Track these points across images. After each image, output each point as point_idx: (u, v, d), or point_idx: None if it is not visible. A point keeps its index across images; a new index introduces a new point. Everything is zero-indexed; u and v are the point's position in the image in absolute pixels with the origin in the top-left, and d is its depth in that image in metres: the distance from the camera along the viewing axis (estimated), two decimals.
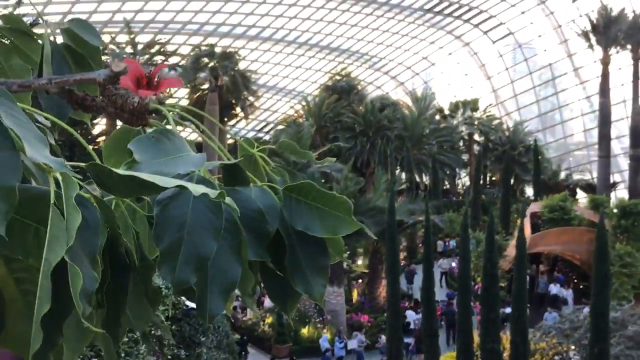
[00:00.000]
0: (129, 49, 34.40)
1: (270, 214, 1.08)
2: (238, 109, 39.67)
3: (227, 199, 0.95)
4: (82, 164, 0.98)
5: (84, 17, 34.45)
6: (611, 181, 38.80)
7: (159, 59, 33.71)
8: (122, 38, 36.51)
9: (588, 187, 41.60)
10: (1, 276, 0.93)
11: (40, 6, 29.33)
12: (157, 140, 1.04)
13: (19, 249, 0.89)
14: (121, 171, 0.90)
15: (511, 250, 25.15)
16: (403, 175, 41.75)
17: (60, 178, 0.87)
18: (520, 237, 17.15)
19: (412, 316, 23.38)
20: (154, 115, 1.15)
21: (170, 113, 1.16)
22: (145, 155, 0.99)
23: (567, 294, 26.43)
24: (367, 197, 24.95)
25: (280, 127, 47.98)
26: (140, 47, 34.24)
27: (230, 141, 36.19)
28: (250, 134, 60.41)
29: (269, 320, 23.59)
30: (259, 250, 1.06)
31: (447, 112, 48.58)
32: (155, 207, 0.97)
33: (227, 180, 1.17)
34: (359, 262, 32.21)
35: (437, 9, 49.30)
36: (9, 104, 0.87)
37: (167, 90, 22.07)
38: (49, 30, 1.31)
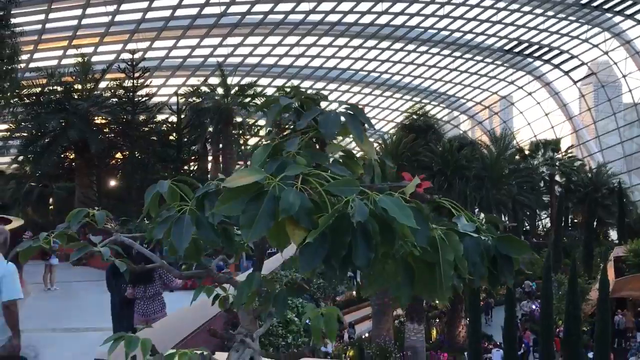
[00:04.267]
0: (220, 90, 36.55)
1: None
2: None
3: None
4: None
5: (178, 61, 37.24)
6: None
7: (250, 101, 35.49)
8: (214, 81, 38.88)
9: None
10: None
11: (132, 52, 31.90)
12: None
13: None
14: None
15: (594, 294, 24.82)
16: (482, 216, 41.46)
17: None
18: (603, 279, 17.17)
19: (497, 356, 23.08)
20: None
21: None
22: None
23: None
24: None
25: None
26: (232, 90, 36.14)
27: None
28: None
29: (350, 353, 24.17)
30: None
31: (527, 152, 48.14)
32: None
33: None
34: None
35: (516, 50, 49.46)
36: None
37: (258, 131, 23.56)
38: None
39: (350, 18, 41.27)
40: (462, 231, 1.86)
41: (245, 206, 1.66)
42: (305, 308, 1.79)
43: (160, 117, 33.06)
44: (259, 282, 2.25)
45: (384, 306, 24.74)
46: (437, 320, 31.12)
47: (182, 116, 31.48)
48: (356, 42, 45.24)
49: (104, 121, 30.48)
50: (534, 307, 29.93)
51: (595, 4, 42.23)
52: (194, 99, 35.20)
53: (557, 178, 46.68)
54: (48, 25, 33.96)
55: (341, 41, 44.72)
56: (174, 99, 42.60)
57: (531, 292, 33.34)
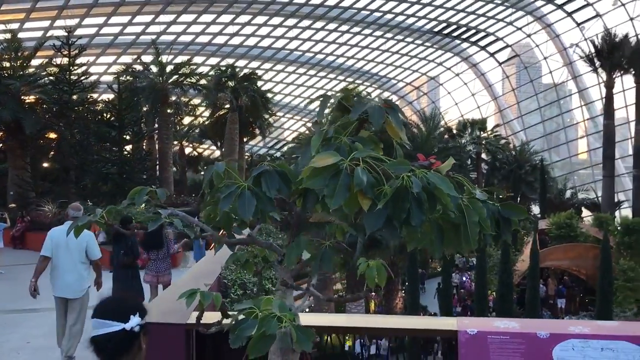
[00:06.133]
0: (154, 69, 35.94)
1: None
2: (256, 129, 41.15)
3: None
4: None
5: (109, 39, 36.16)
6: (615, 200, 40.04)
7: (187, 80, 35.13)
8: (146, 58, 38.17)
9: (593, 206, 42.85)
10: None
11: (67, 29, 30.89)
12: None
13: None
14: None
15: (521, 265, 26.50)
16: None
17: None
18: (534, 250, 18.49)
19: None
20: None
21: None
22: None
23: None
24: None
25: (291, 144, 49.29)
26: (167, 68, 35.62)
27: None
28: (262, 151, 62.11)
29: None
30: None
31: (455, 131, 49.91)
32: None
33: None
34: None
35: (445, 32, 50.97)
36: None
37: (193, 109, 23.80)
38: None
39: None
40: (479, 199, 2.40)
41: (328, 181, 2.14)
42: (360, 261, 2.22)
43: (97, 96, 32.21)
44: (305, 245, 2.75)
45: (324, 281, 25.49)
46: (374, 293, 32.25)
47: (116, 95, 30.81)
48: (290, 21, 45.41)
49: (38, 101, 29.50)
50: (464, 279, 31.55)
51: None
52: (128, 77, 34.46)
53: (484, 156, 48.73)
54: None
55: (276, 20, 44.77)
56: (104, 78, 41.64)
57: (459, 265, 35.08)
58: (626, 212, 41.39)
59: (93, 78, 33.50)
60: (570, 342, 3.26)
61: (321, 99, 2.72)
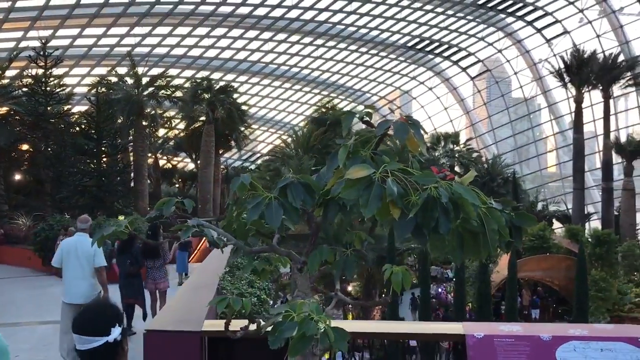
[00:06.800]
0: (129, 81, 35.74)
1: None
2: (232, 141, 41.15)
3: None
4: None
5: (83, 50, 35.93)
6: (585, 212, 40.93)
7: (162, 92, 34.99)
8: (121, 70, 37.92)
9: (564, 218, 43.69)
10: None
11: (42, 39, 30.58)
12: None
13: None
14: None
15: (495, 277, 26.89)
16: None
17: None
18: (512, 260, 18.85)
19: None
20: None
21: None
22: None
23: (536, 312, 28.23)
24: (365, 225, 26.51)
25: (266, 157, 49.34)
26: (143, 80, 35.45)
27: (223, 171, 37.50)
28: (237, 164, 61.99)
29: None
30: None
31: (428, 144, 50.56)
32: None
33: None
34: (349, 288, 33.56)
35: (418, 46, 51.78)
36: None
37: (168, 122, 23.82)
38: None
39: (261, 11, 41.66)
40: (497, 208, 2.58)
41: (362, 192, 2.30)
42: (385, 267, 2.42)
43: (70, 108, 31.80)
44: (327, 253, 2.90)
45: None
46: (350, 306, 32.38)
47: (92, 107, 30.54)
48: (266, 35, 45.69)
49: (10, 112, 29.04)
50: (440, 290, 31.89)
51: (490, 4, 45.12)
52: (103, 89, 34.23)
53: (457, 169, 49.39)
54: None
55: (251, 34, 45.00)
56: (78, 89, 41.26)
57: (437, 277, 35.39)
58: (595, 224, 42.38)
59: (67, 90, 33.17)
60: (571, 344, 3.46)
61: (345, 115, 2.86)
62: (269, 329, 2.38)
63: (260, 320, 2.91)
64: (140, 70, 37.64)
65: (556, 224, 43.89)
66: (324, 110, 50.74)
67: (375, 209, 2.28)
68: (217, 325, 4.10)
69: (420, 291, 20.81)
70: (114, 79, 36.27)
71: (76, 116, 31.97)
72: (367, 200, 2.28)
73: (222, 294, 6.67)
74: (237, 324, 3.01)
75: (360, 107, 52.16)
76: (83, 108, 37.81)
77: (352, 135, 2.90)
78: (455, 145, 49.24)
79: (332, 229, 3.50)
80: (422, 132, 2.68)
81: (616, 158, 39.42)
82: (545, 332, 3.55)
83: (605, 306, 25.74)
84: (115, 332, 2.40)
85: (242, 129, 41.85)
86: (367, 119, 2.91)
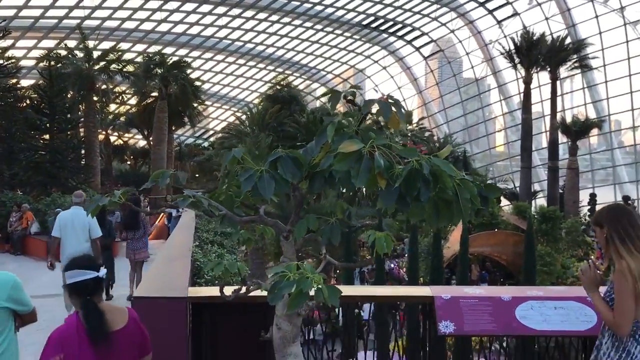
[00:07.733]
0: (80, 54, 34.84)
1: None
2: (185, 118, 40.72)
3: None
4: None
5: (29, 21, 34.67)
6: (532, 190, 42.38)
7: (114, 67, 34.22)
8: (70, 44, 36.87)
9: (511, 195, 45.10)
10: None
11: None
12: None
13: None
14: None
15: (446, 252, 27.74)
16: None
17: None
18: (464, 236, 19.57)
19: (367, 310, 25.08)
20: None
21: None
22: None
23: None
24: (321, 203, 26.81)
25: (220, 135, 49.06)
26: (94, 53, 34.58)
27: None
28: (189, 141, 61.37)
29: None
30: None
31: (382, 123, 51.08)
32: None
33: None
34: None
35: (372, 25, 52.06)
36: None
37: (120, 97, 23.56)
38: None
39: None
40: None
41: (353, 164, 2.55)
42: (369, 232, 2.69)
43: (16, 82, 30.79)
44: (313, 222, 3.15)
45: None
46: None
47: (42, 81, 29.65)
48: (220, 9, 45.09)
49: None
50: (392, 265, 32.61)
51: None
52: (52, 63, 33.24)
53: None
54: None
55: (205, 8, 44.34)
56: (24, 62, 39.92)
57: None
58: (541, 201, 43.99)
59: (14, 62, 32.10)
60: (529, 303, 3.86)
61: (331, 94, 3.08)
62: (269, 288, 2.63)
63: (250, 284, 3.15)
64: (90, 43, 36.72)
65: (504, 202, 45.32)
66: (278, 87, 50.69)
67: (365, 179, 2.54)
68: (201, 292, 4.32)
69: (376, 267, 21.36)
70: (63, 52, 35.21)
71: (25, 90, 30.96)
72: (357, 172, 2.53)
73: (196, 266, 6.88)
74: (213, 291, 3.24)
75: (315, 85, 52.31)
76: (30, 82, 36.70)
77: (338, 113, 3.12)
78: (408, 125, 49.94)
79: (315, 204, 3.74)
80: (402, 110, 2.94)
81: (562, 138, 40.86)
82: (505, 293, 3.93)
83: (549, 280, 26.91)
84: (102, 272, 3.24)
85: (196, 105, 41.42)
86: (351, 97, 3.14)
